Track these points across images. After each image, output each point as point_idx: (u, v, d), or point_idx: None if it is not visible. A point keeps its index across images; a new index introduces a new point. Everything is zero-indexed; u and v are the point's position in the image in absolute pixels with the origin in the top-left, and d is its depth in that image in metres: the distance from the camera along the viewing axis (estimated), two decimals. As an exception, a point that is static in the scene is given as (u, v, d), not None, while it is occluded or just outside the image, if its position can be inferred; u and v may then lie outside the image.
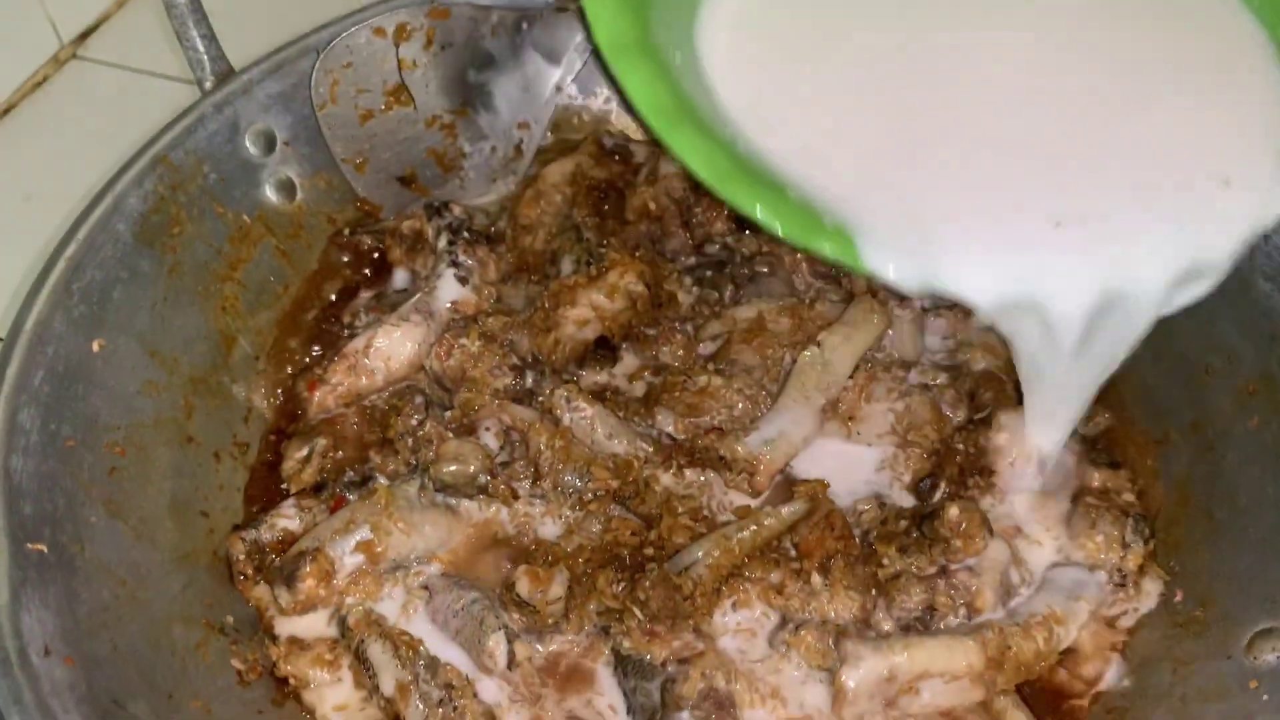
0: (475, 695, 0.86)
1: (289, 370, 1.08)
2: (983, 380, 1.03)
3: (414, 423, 1.00)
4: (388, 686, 0.87)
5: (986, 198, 0.80)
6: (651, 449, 0.99)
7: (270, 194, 1.11)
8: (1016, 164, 0.81)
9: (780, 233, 0.77)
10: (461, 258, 1.09)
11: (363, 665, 0.88)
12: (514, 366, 1.03)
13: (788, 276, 1.12)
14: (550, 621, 0.89)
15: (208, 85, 1.07)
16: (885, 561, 0.91)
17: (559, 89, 1.20)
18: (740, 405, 1.00)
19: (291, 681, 0.90)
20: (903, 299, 1.06)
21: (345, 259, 1.15)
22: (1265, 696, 0.82)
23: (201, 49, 1.06)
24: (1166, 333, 1.02)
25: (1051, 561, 0.94)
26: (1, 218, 1.32)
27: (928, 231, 0.78)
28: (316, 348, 1.10)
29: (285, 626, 0.92)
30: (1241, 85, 0.85)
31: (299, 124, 1.11)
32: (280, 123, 1.10)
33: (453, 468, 0.96)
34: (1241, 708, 0.83)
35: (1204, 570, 0.92)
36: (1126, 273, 0.77)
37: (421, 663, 0.87)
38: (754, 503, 0.97)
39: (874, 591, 0.91)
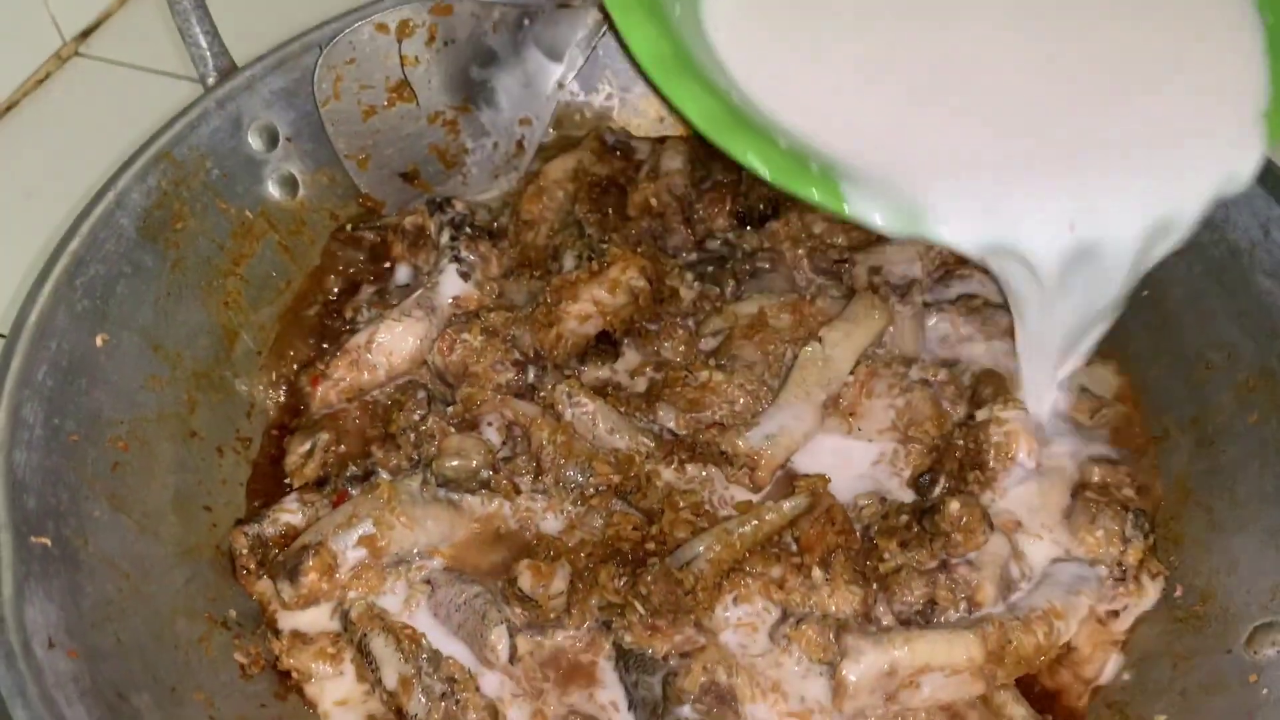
0: (477, 689, 0.86)
1: (292, 365, 1.08)
2: (983, 376, 1.03)
3: (416, 418, 1.00)
4: (390, 680, 0.87)
5: (970, 150, 0.85)
6: (653, 444, 0.99)
7: (273, 190, 1.12)
8: (1000, 119, 0.86)
9: (769, 178, 0.82)
10: (464, 253, 1.10)
11: (365, 659, 0.89)
12: (516, 362, 1.03)
13: (789, 272, 1.12)
14: (552, 616, 0.89)
15: (210, 81, 1.07)
16: (886, 556, 0.92)
17: (561, 85, 1.20)
18: (741, 401, 1.01)
19: (294, 675, 0.90)
20: (904, 295, 1.06)
21: (347, 254, 1.15)
22: (1265, 690, 0.82)
23: (204, 45, 1.06)
24: (1167, 329, 1.03)
25: (1052, 556, 0.94)
26: (3, 215, 1.33)
27: (914, 181, 0.82)
28: (319, 343, 1.10)
29: (288, 620, 0.93)
30: (1218, 49, 0.88)
31: (302, 120, 1.11)
32: (283, 119, 1.10)
33: (455, 462, 0.96)
34: (1242, 702, 0.83)
35: (1204, 565, 0.92)
36: (1100, 223, 0.82)
37: (424, 656, 0.87)
38: (755, 498, 0.97)
39: (875, 586, 0.91)
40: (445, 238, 1.11)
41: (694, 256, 1.14)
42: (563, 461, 0.97)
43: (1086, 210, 0.83)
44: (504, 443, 0.99)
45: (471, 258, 1.10)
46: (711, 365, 1.02)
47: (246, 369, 1.06)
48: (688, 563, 0.89)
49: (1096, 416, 1.02)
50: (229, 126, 1.07)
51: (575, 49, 1.18)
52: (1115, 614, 0.93)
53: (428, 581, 0.92)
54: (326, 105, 1.10)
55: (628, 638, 0.88)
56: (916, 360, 1.05)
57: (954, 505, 0.91)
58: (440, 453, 0.97)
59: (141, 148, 1.01)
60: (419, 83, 1.14)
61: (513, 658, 0.87)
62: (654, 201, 1.16)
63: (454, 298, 1.08)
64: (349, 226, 1.16)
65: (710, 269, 1.11)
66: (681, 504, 0.95)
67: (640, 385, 1.05)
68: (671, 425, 1.01)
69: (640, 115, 1.27)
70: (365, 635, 0.89)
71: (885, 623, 0.90)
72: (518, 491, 0.96)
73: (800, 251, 1.13)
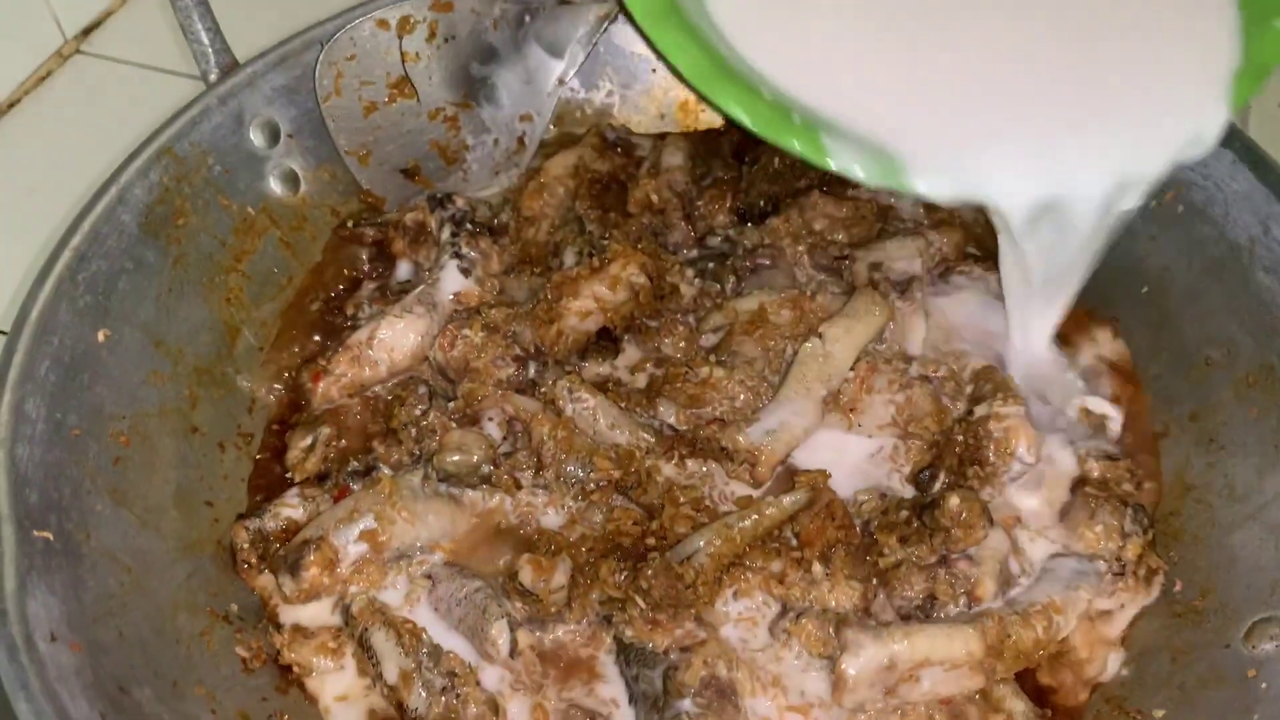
0: (478, 683, 0.87)
1: (293, 361, 1.08)
2: (982, 373, 1.03)
3: (417, 413, 1.00)
4: (391, 674, 0.87)
5: (946, 106, 0.89)
6: (653, 440, 0.99)
7: (274, 186, 1.12)
8: (975, 77, 0.90)
9: (752, 127, 0.86)
10: (464, 250, 1.10)
11: (366, 653, 0.89)
12: (517, 357, 1.04)
13: (789, 268, 1.12)
14: (553, 610, 0.89)
15: (212, 78, 1.07)
16: (886, 551, 0.92)
17: (561, 82, 1.20)
18: (742, 396, 1.01)
19: (295, 669, 0.90)
20: (904, 292, 1.07)
21: (349, 251, 1.15)
22: (1264, 685, 0.82)
23: (206, 42, 1.06)
24: (1167, 325, 1.04)
25: (1051, 551, 0.94)
26: (6, 211, 1.33)
27: (893, 135, 0.86)
28: (320, 339, 1.10)
29: (289, 615, 0.93)
30: (1190, 10, 0.91)
31: (303, 116, 1.11)
32: (284, 115, 1.11)
33: (456, 458, 0.96)
34: (1240, 696, 0.83)
35: (1203, 560, 0.93)
36: (1065, 179, 0.87)
37: (424, 651, 0.88)
38: (755, 493, 0.98)
39: (874, 581, 0.91)
40: (446, 234, 1.11)
41: (694, 253, 1.14)
42: (563, 457, 0.97)
43: (1053, 165, 0.87)
44: (505, 438, 1.00)
45: (472, 254, 1.10)
46: (712, 361, 1.02)
47: (248, 365, 1.07)
48: (688, 557, 0.90)
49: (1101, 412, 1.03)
50: (231, 123, 1.07)
51: (576, 45, 1.18)
52: (1108, 613, 0.93)
53: (429, 576, 0.92)
54: (327, 101, 1.11)
55: (628, 632, 0.88)
56: (917, 356, 1.05)
57: (954, 500, 0.91)
58: (441, 448, 0.97)
59: (143, 144, 1.01)
60: (420, 79, 1.14)
61: (513, 652, 0.87)
62: (654, 198, 1.16)
63: (455, 294, 1.08)
64: (350, 223, 1.16)
65: (711, 265, 1.12)
66: (682, 499, 0.95)
67: (641, 381, 1.05)
68: (672, 421, 1.01)
69: (641, 112, 1.27)
70: (366, 630, 0.89)
71: (885, 617, 0.90)
72: (519, 486, 0.96)
73: (801, 248, 1.13)
